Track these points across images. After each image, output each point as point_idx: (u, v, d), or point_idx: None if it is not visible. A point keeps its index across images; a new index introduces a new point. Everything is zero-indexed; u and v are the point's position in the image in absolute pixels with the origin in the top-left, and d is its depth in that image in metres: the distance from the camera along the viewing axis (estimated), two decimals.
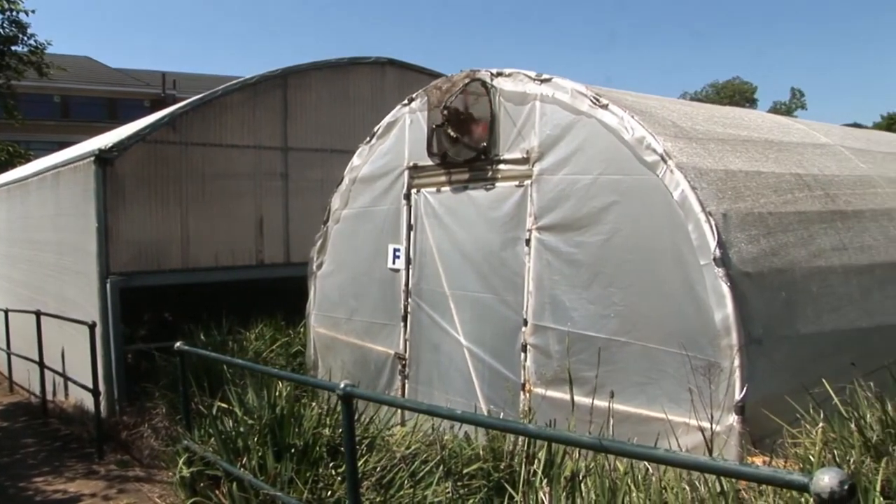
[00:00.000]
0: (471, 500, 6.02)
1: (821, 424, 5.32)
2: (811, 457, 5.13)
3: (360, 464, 6.26)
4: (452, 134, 8.12)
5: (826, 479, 2.59)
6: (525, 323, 7.39)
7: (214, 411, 7.54)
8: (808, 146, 8.66)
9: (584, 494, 5.32)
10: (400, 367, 9.02)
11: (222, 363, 8.97)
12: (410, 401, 8.17)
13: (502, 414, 7.23)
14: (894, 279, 7.72)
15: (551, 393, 6.99)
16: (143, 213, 12.20)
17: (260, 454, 6.60)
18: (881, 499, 4.39)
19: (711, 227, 6.05)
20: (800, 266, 6.76)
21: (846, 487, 2.56)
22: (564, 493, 5.31)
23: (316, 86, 14.11)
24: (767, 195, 6.97)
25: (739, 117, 8.88)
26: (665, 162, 6.36)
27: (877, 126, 56.05)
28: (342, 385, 5.06)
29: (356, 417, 6.78)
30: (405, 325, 8.99)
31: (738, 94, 67.07)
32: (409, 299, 8.95)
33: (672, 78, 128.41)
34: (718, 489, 4.75)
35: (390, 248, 9.20)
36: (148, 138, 12.24)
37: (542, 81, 7.43)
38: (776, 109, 62.65)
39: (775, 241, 6.64)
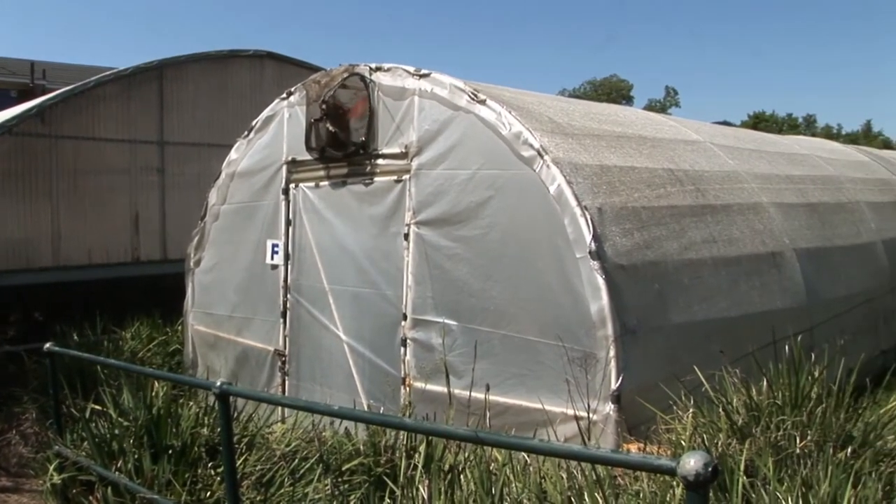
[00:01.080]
0: (352, 496, 5.98)
1: (691, 410, 5.50)
2: (682, 441, 5.29)
3: (239, 463, 6.15)
4: (331, 128, 8.04)
5: (691, 463, 2.67)
6: (405, 317, 7.39)
7: (88, 414, 7.29)
8: (679, 143, 8.93)
9: (463, 487, 5.35)
10: (280, 363, 8.90)
11: (96, 364, 8.67)
12: (288, 398, 8.09)
13: (382, 409, 7.21)
14: (759, 270, 8.05)
15: (431, 387, 7.00)
16: (9, 209, 11.69)
17: (136, 456, 6.40)
18: (745, 478, 4.56)
19: (587, 220, 6.16)
20: (672, 258, 6.96)
21: (710, 469, 2.65)
22: (444, 486, 5.32)
23: (193, 78, 13.79)
24: (641, 190, 7.16)
25: (615, 114, 9.09)
26: (542, 157, 6.44)
27: (744, 124, 58.40)
28: (218, 383, 4.96)
29: (235, 416, 6.67)
30: (284, 321, 8.88)
31: (614, 92, 68.65)
32: (289, 295, 8.84)
33: (551, 75, 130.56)
34: (595, 477, 4.83)
35: (269, 243, 9.06)
36: (15, 130, 11.74)
37: (421, 76, 7.43)
38: (651, 107, 64.50)
39: (649, 235, 6.82)
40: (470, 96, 7.00)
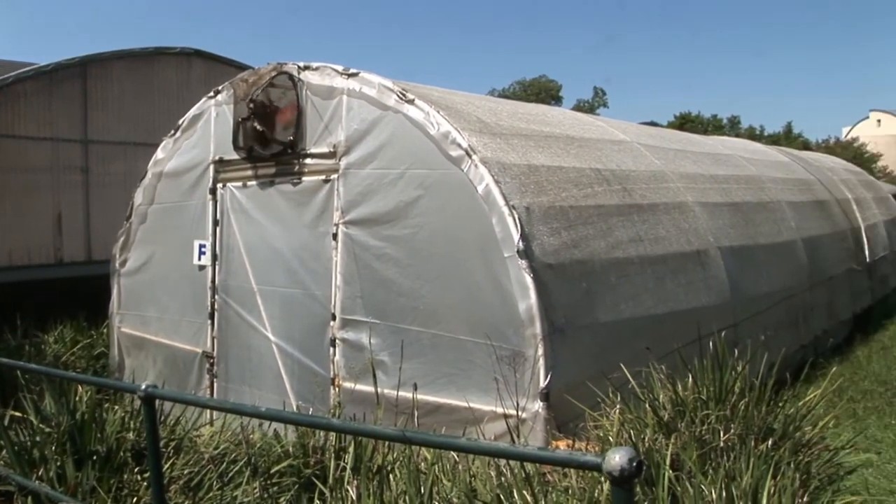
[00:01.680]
0: (281, 498, 5.93)
1: (618, 407, 5.59)
2: (610, 438, 5.37)
3: (166, 467, 6.05)
4: (259, 128, 7.96)
5: (616, 459, 2.69)
6: (333, 317, 7.36)
7: (7, 421, 7.09)
8: (607, 143, 9.04)
9: (392, 487, 5.34)
10: (208, 365, 8.79)
11: (16, 369, 8.44)
12: (215, 400, 7.98)
13: (311, 409, 7.17)
14: (684, 268, 8.19)
15: (361, 387, 6.98)
16: None
17: (58, 464, 6.23)
18: (671, 472, 4.64)
19: (515, 220, 6.21)
20: (599, 257, 7.05)
21: (635, 465, 2.68)
22: (373, 487, 5.32)
23: (119, 76, 13.53)
24: (568, 189, 7.23)
25: (543, 114, 9.17)
26: (470, 157, 6.47)
27: (671, 125, 59.46)
28: (143, 386, 4.87)
29: (162, 419, 6.56)
30: (212, 323, 8.77)
31: (543, 92, 69.13)
32: (216, 296, 8.73)
33: (481, 76, 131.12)
34: (524, 474, 4.87)
35: (196, 244, 8.93)
36: None
37: (350, 76, 7.41)
38: (580, 107, 65.17)
39: (576, 234, 6.89)
40: (398, 96, 7.00)
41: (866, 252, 16.01)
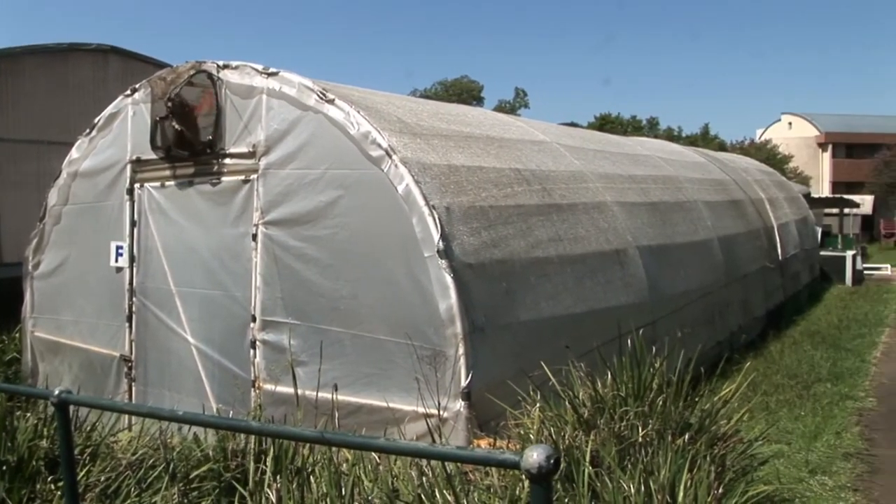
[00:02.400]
0: (202, 503, 5.86)
1: (538, 405, 5.64)
2: (531, 435, 5.42)
3: (82, 475, 5.91)
4: (177, 127, 7.84)
5: (535, 456, 2.70)
6: (254, 319, 7.29)
7: None
8: (526, 143, 9.12)
9: (313, 488, 5.32)
10: (126, 369, 8.62)
11: None
12: (131, 404, 7.84)
13: (231, 412, 7.09)
14: (603, 267, 8.32)
15: (282, 388, 6.93)
16: None
17: None
18: (591, 468, 4.71)
19: (435, 220, 6.24)
20: (519, 257, 7.12)
21: (552, 462, 2.69)
22: (294, 489, 5.28)
23: (31, 72, 13.17)
24: (488, 189, 7.28)
25: (463, 114, 9.21)
26: (390, 157, 6.48)
27: (591, 126, 60.22)
28: (56, 392, 4.75)
29: (77, 425, 6.42)
30: (130, 326, 8.60)
31: (465, 93, 69.25)
32: (134, 298, 8.57)
33: (402, 76, 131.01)
34: (446, 474, 4.89)
35: (113, 245, 8.75)
36: None
37: (270, 75, 7.35)
38: (501, 108, 65.39)
39: (496, 234, 6.95)
40: (319, 96, 6.97)
41: (779, 250, 16.49)
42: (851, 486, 6.78)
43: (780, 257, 16.41)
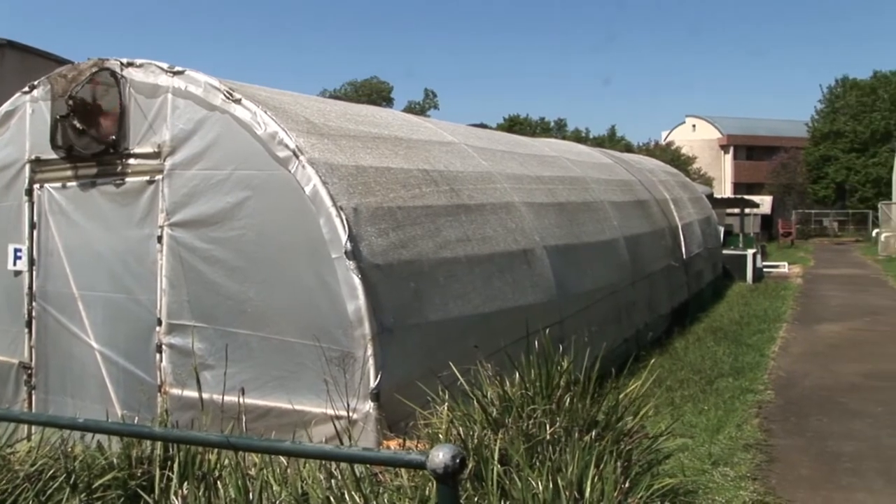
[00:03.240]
0: None
1: (447, 405, 5.67)
2: (440, 435, 5.45)
3: None
4: (79, 126, 7.64)
5: (440, 456, 2.74)
6: (159, 322, 7.16)
7: None
8: (435, 144, 9.17)
9: (221, 494, 5.25)
10: (25, 376, 8.36)
11: None
12: (28, 413, 7.61)
13: (137, 418, 6.94)
14: (511, 266, 8.42)
15: (189, 393, 6.83)
16: None
17: None
18: (499, 466, 4.77)
19: (342, 221, 6.23)
20: (428, 257, 7.16)
21: (458, 461, 2.74)
22: (201, 494, 5.21)
23: None
24: (396, 190, 7.30)
25: (372, 115, 9.21)
26: (297, 157, 6.45)
27: (500, 127, 60.93)
28: None
29: None
30: (30, 331, 8.34)
31: (375, 93, 69.13)
32: (34, 303, 8.31)
33: (312, 76, 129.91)
34: (355, 476, 4.89)
35: (10, 247, 8.48)
36: None
37: (175, 74, 7.22)
38: (411, 109, 65.44)
39: (404, 234, 6.98)
40: (225, 95, 6.88)
41: (683, 249, 16.93)
42: (751, 476, 7.03)
43: (684, 256, 16.84)
